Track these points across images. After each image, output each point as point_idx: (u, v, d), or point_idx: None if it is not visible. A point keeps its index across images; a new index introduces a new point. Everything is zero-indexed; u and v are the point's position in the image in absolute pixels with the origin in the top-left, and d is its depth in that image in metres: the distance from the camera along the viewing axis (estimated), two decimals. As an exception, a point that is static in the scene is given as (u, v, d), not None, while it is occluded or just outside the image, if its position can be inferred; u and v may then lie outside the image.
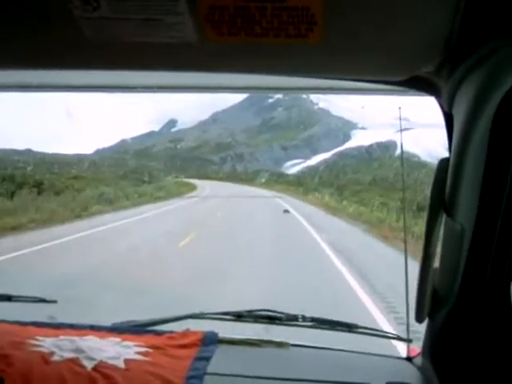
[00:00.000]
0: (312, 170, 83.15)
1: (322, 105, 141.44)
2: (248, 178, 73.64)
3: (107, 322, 1.74)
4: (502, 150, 0.92)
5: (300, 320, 1.67)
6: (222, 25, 0.83)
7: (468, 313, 1.05)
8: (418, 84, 1.07)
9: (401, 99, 1.42)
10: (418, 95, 1.19)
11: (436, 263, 1.12)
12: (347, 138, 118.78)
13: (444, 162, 1.04)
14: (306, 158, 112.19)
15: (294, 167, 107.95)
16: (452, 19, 0.79)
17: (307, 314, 1.69)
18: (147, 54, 0.96)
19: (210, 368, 1.42)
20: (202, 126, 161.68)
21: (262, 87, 1.43)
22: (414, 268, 1.21)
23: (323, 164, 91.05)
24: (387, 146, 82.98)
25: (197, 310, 1.77)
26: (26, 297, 1.84)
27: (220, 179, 77.06)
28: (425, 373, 1.30)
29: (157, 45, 0.91)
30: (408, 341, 1.57)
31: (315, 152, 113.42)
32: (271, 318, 1.70)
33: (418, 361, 1.42)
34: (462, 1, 0.75)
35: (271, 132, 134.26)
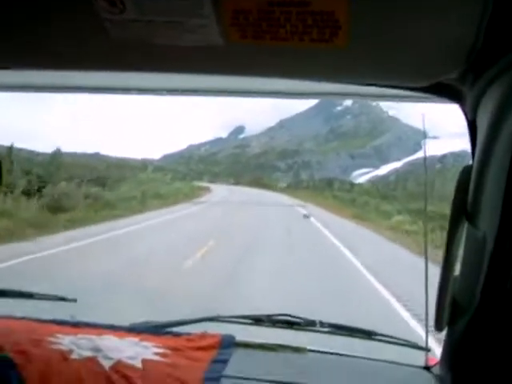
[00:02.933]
0: (382, 180, 79.87)
1: (391, 113, 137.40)
2: (317, 186, 66.76)
3: (126, 322, 1.76)
4: None
5: (318, 325, 1.68)
6: (247, 28, 0.84)
7: (488, 323, 1.03)
8: (441, 91, 1.07)
9: (426, 106, 1.39)
10: (442, 102, 1.18)
11: (457, 271, 1.13)
12: (418, 147, 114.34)
13: (467, 170, 1.03)
14: (375, 167, 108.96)
15: (362, 176, 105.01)
16: (478, 26, 0.79)
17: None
18: (171, 57, 0.98)
19: (227, 371, 1.45)
20: (269, 132, 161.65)
21: (286, 92, 1.43)
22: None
23: (394, 173, 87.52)
24: (462, 157, 78.43)
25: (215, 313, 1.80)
26: (47, 295, 1.89)
27: (280, 190, 63.67)
28: (443, 383, 1.30)
29: (181, 48, 0.92)
30: (426, 350, 1.57)
31: (385, 161, 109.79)
32: (289, 323, 1.71)
33: (437, 370, 1.41)
34: (488, 9, 0.76)
35: (339, 140, 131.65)
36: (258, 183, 72.71)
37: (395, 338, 1.71)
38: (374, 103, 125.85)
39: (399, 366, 1.60)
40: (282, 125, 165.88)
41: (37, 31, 0.95)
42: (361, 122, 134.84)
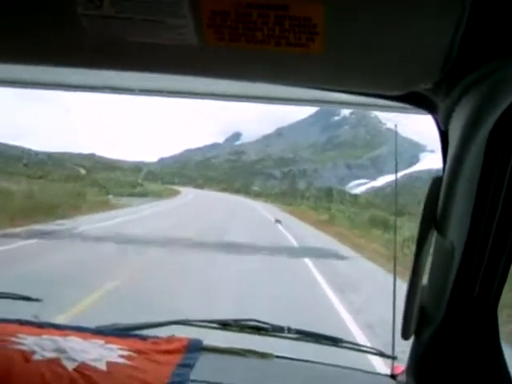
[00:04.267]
0: (379, 191, 79.19)
1: (389, 125, 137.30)
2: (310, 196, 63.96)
3: (92, 324, 1.73)
4: (496, 171, 0.94)
5: (286, 331, 1.68)
6: (224, 30, 0.84)
7: (454, 332, 1.07)
8: (415, 100, 1.07)
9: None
10: (415, 113, 1.20)
11: (425, 280, 1.14)
12: (416, 160, 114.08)
13: (437, 180, 1.04)
14: (372, 178, 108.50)
15: (358, 187, 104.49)
16: (452, 37, 0.80)
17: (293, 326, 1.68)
18: (148, 56, 0.98)
19: (193, 375, 1.43)
20: (266, 140, 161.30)
21: (257, 96, 1.44)
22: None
23: (390, 186, 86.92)
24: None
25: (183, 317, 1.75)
26: (10, 294, 1.85)
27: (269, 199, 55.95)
28: None
29: (158, 47, 0.92)
30: (393, 358, 1.58)
31: (381, 173, 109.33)
32: (257, 328, 1.71)
33: (402, 378, 1.41)
34: (464, 19, 0.76)
35: (336, 150, 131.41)
36: (246, 191, 71.14)
37: (362, 345, 1.74)
38: (372, 114, 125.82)
39: (365, 374, 1.62)
40: (279, 132, 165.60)
41: (17, 25, 0.93)
42: (359, 133, 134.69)
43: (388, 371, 1.56)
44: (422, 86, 0.96)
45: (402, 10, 0.77)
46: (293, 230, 19.40)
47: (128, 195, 30.57)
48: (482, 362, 1.03)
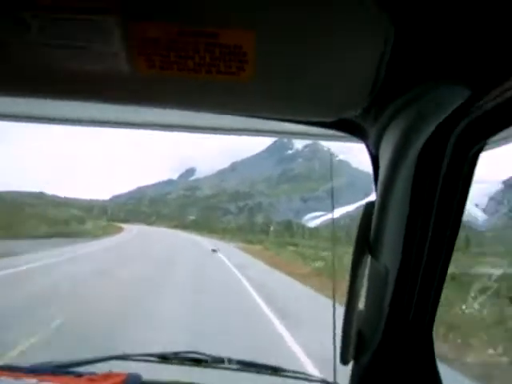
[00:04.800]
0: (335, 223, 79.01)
1: (342, 157, 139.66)
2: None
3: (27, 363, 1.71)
4: (425, 194, 0.96)
5: (226, 363, 1.71)
6: (155, 58, 0.84)
7: (392, 356, 1.09)
8: (346, 127, 1.09)
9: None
10: (348, 141, 1.22)
11: (362, 305, 1.14)
12: (370, 191, 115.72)
13: (370, 205, 1.06)
14: (328, 210, 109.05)
15: (314, 220, 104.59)
16: (379, 63, 0.82)
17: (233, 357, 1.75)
18: (78, 84, 0.95)
19: None
20: (221, 175, 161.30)
21: (189, 126, 1.43)
22: None
23: (347, 217, 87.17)
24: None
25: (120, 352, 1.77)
26: None
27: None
28: None
29: (90, 75, 0.90)
30: None
31: (337, 205, 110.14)
32: (197, 361, 1.73)
33: None
34: (389, 45, 0.78)
35: (291, 183, 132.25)
36: (199, 227, 67.37)
37: (303, 373, 1.75)
38: (326, 148, 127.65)
39: None
40: (234, 167, 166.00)
41: None
42: (313, 165, 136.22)
43: None
44: (352, 112, 0.96)
45: (327, 40, 0.79)
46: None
47: (44, 237, 24.92)
48: (419, 383, 1.06)
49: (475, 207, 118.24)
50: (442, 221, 0.96)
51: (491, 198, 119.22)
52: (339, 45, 0.80)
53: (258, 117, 1.10)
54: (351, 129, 1.08)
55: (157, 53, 0.82)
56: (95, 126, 1.48)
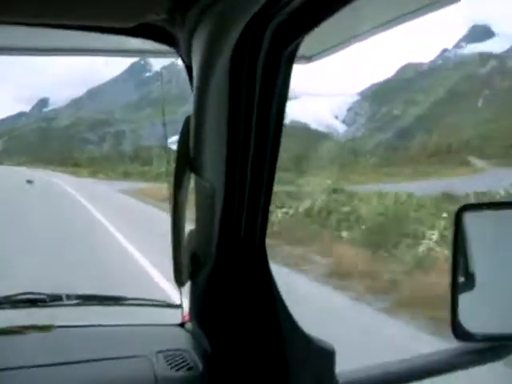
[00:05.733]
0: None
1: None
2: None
3: None
4: (244, 102, 0.85)
5: (64, 299, 1.60)
6: None
7: (227, 274, 1.07)
8: (153, 33, 0.99)
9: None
10: (169, 56, 1.13)
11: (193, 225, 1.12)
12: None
13: (188, 120, 0.98)
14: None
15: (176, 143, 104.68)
16: None
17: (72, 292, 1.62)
18: None
19: None
20: (77, 103, 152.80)
21: (32, 48, 1.27)
22: None
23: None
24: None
25: None
26: None
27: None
28: (195, 337, 1.32)
29: None
30: (180, 307, 1.54)
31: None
32: (32, 301, 1.58)
33: (189, 325, 1.41)
34: None
35: (151, 107, 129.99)
36: (60, 162, 62.77)
37: (147, 299, 1.70)
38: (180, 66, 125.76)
39: (154, 327, 1.61)
40: (91, 94, 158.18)
41: None
42: (171, 88, 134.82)
43: (178, 321, 1.55)
44: (156, 15, 0.89)
45: None
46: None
47: None
48: (257, 300, 1.06)
49: (335, 119, 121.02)
50: (263, 132, 0.87)
51: (349, 109, 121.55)
52: None
53: (60, 26, 0.99)
54: (159, 35, 0.99)
55: None
56: None
